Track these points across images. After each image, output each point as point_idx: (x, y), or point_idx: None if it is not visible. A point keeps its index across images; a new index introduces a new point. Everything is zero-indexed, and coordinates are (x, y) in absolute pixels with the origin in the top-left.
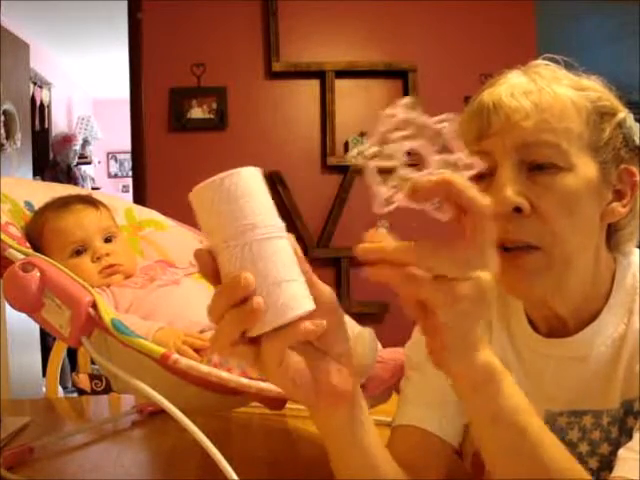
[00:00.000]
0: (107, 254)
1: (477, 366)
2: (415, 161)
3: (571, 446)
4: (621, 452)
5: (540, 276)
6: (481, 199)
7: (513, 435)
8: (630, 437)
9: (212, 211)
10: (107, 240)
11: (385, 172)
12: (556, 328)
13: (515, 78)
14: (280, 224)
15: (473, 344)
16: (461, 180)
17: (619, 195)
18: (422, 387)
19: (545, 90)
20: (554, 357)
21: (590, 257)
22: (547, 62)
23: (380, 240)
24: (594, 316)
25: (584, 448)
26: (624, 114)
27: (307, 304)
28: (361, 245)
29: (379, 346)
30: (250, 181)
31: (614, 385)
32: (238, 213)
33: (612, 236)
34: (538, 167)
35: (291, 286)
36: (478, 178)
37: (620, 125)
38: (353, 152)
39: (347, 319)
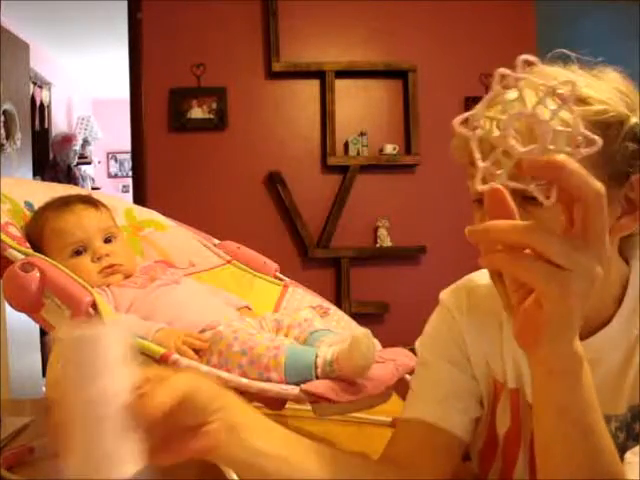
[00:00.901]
0: (107, 254)
1: (565, 354)
2: (525, 131)
3: None
4: (627, 456)
5: None
6: (594, 187)
7: (575, 433)
8: (637, 442)
9: (69, 365)
10: (107, 240)
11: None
12: None
13: (511, 94)
14: (128, 386)
15: (568, 334)
16: (574, 165)
17: (630, 205)
18: (431, 381)
19: (536, 111)
20: None
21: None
22: (550, 67)
23: (501, 199)
24: (606, 322)
25: None
26: (634, 120)
27: (128, 470)
28: (469, 228)
29: (379, 346)
30: (112, 341)
31: (623, 391)
32: (90, 374)
33: (622, 239)
34: (530, 197)
35: (120, 448)
36: (479, 203)
37: (629, 133)
38: (458, 118)
39: (347, 319)
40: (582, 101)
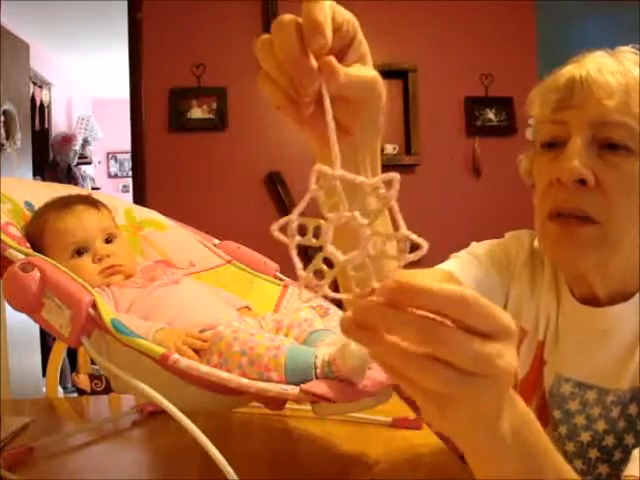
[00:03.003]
0: (108, 255)
1: (484, 443)
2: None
3: (569, 416)
4: (635, 452)
5: (589, 250)
6: (435, 289)
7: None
8: (629, 423)
9: None
10: (108, 241)
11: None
12: (588, 298)
13: (601, 57)
14: None
15: (472, 436)
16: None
17: None
18: (466, 264)
19: (631, 74)
20: (581, 325)
21: (635, 242)
22: (635, 50)
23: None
24: (629, 297)
25: (580, 421)
26: None
27: None
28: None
29: None
30: None
31: (629, 368)
32: None
33: None
34: (610, 146)
35: None
36: (549, 146)
37: None
38: (278, 222)
39: None
40: None
